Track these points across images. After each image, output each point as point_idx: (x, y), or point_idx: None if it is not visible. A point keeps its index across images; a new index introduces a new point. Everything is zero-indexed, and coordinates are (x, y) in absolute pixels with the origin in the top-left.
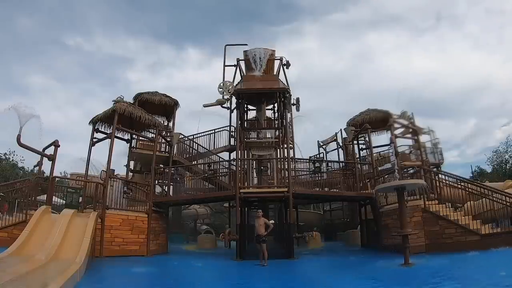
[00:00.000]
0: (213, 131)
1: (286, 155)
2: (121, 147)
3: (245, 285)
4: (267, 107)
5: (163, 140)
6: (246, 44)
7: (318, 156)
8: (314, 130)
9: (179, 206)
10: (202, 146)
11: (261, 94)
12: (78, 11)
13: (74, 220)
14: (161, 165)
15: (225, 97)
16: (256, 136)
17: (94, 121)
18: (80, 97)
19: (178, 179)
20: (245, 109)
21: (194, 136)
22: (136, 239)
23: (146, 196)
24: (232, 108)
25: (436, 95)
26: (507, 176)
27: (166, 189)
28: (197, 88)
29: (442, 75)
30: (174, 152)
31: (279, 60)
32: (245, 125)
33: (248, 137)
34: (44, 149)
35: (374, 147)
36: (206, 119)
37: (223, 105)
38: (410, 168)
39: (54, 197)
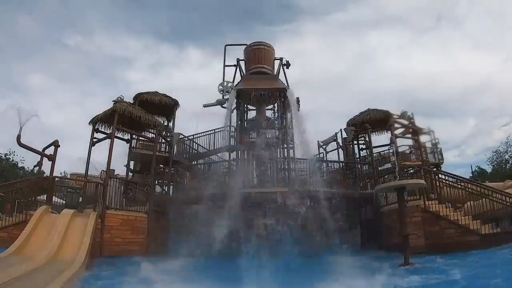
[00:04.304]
0: (213, 131)
1: (286, 155)
2: (121, 147)
3: (244, 285)
4: (267, 107)
5: (163, 140)
6: (246, 44)
7: (318, 156)
8: (314, 130)
9: (179, 206)
10: (202, 146)
11: (261, 94)
12: (78, 10)
13: (74, 220)
14: (161, 165)
15: (225, 97)
16: (256, 136)
17: (94, 121)
18: (80, 97)
19: (178, 179)
20: (245, 109)
21: (194, 136)
22: (136, 239)
23: (146, 196)
24: (232, 108)
25: (436, 95)
26: (507, 176)
27: (166, 189)
28: (197, 88)
29: (442, 75)
30: (174, 152)
31: (279, 60)
32: (245, 125)
33: (248, 137)
34: (44, 149)
35: (374, 147)
36: (206, 119)
37: (223, 105)
38: (410, 168)
39: (54, 197)
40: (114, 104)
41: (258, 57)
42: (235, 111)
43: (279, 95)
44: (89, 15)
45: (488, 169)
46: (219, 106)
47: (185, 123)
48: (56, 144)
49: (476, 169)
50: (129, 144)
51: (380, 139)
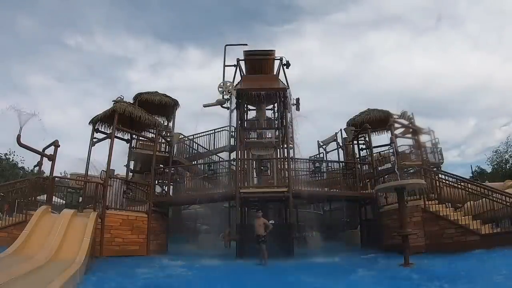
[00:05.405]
0: (213, 131)
1: (286, 155)
2: (121, 147)
3: (244, 285)
4: (267, 107)
5: (163, 140)
6: (246, 44)
7: (318, 156)
8: (314, 130)
9: (179, 206)
10: (202, 146)
11: (261, 94)
12: (79, 10)
13: (74, 220)
14: (161, 165)
15: (225, 97)
16: (256, 136)
17: (94, 121)
18: (80, 97)
19: (178, 179)
20: (245, 109)
21: (194, 136)
22: (136, 239)
23: (146, 196)
24: (232, 108)
25: (436, 95)
26: (507, 176)
27: (166, 189)
28: (197, 88)
29: (443, 75)
30: (174, 152)
31: (279, 60)
32: (245, 125)
33: (248, 137)
34: (44, 149)
35: (374, 147)
36: (206, 119)
37: (223, 105)
38: (410, 168)
39: (54, 197)
40: (114, 104)
41: (258, 68)
42: (235, 111)
43: (279, 95)
44: (89, 15)
45: (488, 169)
46: (219, 106)
47: (185, 123)
48: (56, 144)
49: (476, 169)
50: (129, 144)
51: (380, 139)
